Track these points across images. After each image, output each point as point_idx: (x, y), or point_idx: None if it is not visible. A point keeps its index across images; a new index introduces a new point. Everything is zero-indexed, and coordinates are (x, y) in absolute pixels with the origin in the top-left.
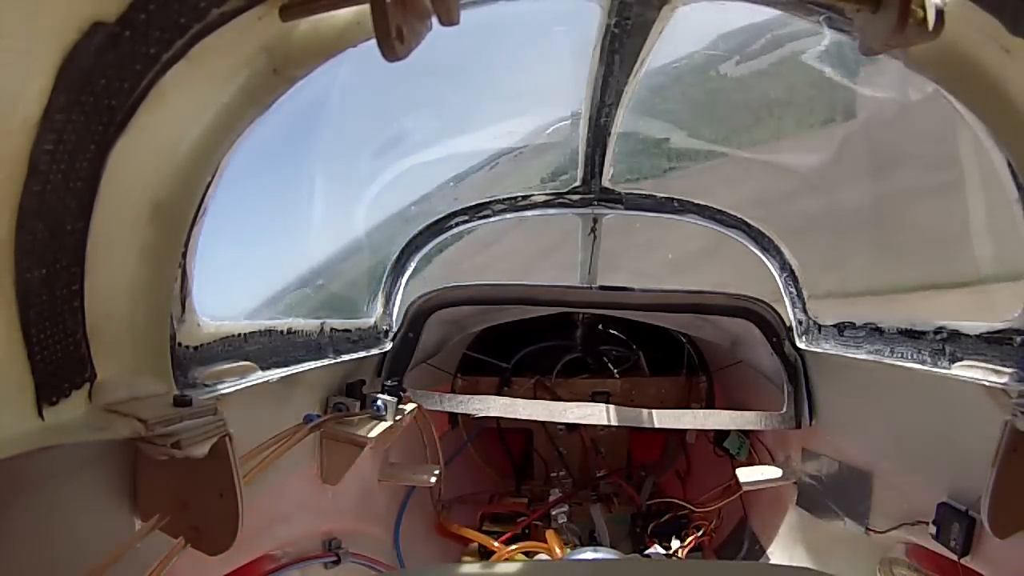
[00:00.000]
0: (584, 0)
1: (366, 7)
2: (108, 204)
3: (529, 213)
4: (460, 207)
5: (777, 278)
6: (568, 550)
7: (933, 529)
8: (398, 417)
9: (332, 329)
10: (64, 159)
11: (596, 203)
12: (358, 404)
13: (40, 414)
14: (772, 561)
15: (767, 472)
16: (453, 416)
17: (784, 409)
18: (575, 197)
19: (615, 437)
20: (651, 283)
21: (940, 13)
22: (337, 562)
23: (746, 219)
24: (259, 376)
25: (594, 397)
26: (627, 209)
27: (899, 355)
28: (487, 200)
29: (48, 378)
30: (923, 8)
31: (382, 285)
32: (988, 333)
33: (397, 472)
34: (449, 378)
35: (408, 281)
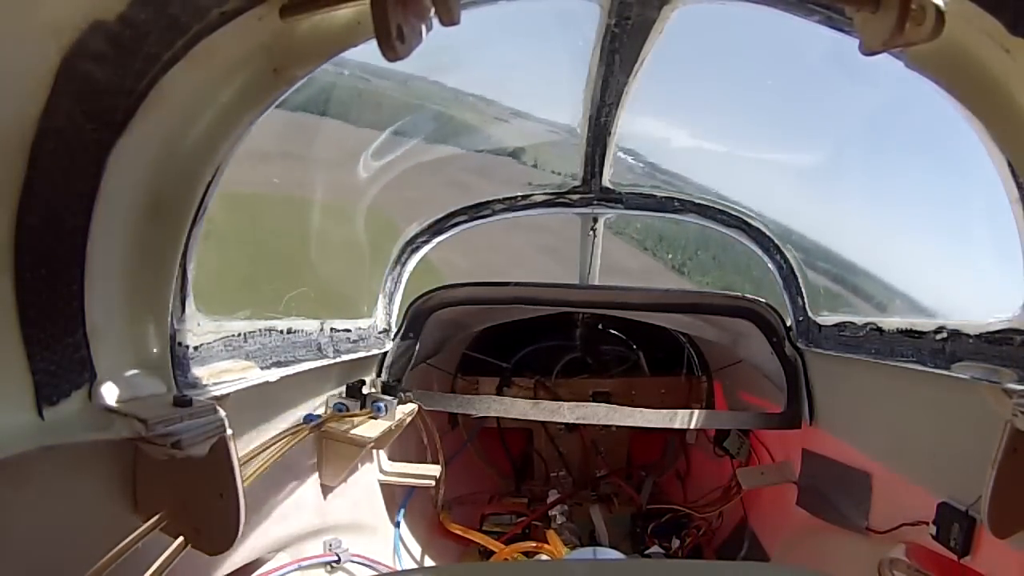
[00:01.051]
0: (584, 0)
1: (366, 7)
2: (108, 203)
3: (529, 212)
4: (460, 206)
5: (777, 278)
6: (568, 550)
7: (933, 529)
8: (398, 417)
9: (332, 329)
10: (64, 159)
11: (596, 203)
12: (358, 404)
13: (40, 414)
14: (772, 561)
15: (767, 472)
16: (453, 416)
17: (784, 409)
18: (575, 197)
19: (615, 437)
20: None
21: (940, 13)
22: (337, 562)
23: (746, 219)
24: (259, 376)
25: (594, 397)
26: (627, 209)
27: (899, 355)
28: (487, 200)
29: (48, 378)
30: (923, 8)
31: (382, 285)
32: (988, 333)
33: (397, 472)
34: (449, 378)
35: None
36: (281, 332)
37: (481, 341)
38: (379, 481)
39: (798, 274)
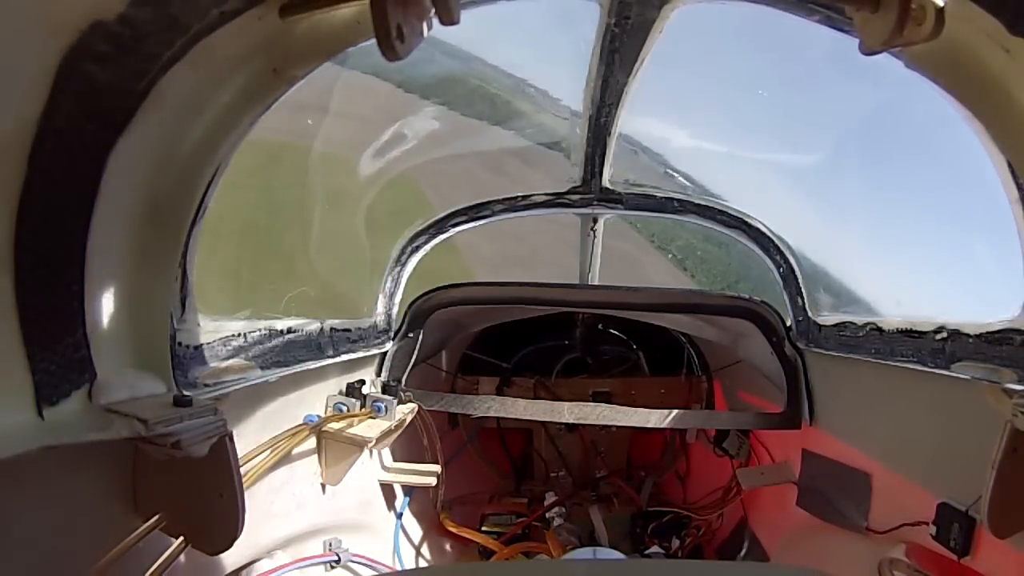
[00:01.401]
0: (584, 0)
1: (366, 6)
2: (108, 203)
3: (529, 213)
4: (459, 207)
5: (776, 278)
6: (567, 550)
7: (933, 529)
8: (398, 417)
9: (332, 329)
10: (64, 159)
11: (596, 203)
12: (358, 404)
13: (40, 414)
14: (772, 561)
15: (767, 472)
16: (453, 416)
17: (784, 409)
18: (575, 197)
19: (615, 437)
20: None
21: (940, 13)
22: (337, 562)
23: (746, 219)
24: (259, 376)
25: (594, 397)
26: (627, 209)
27: (899, 355)
28: (486, 200)
29: (48, 378)
30: (923, 8)
31: (382, 285)
32: (988, 333)
33: (397, 472)
34: (449, 378)
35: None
36: (281, 332)
37: (481, 341)
38: (379, 481)
39: (798, 274)
